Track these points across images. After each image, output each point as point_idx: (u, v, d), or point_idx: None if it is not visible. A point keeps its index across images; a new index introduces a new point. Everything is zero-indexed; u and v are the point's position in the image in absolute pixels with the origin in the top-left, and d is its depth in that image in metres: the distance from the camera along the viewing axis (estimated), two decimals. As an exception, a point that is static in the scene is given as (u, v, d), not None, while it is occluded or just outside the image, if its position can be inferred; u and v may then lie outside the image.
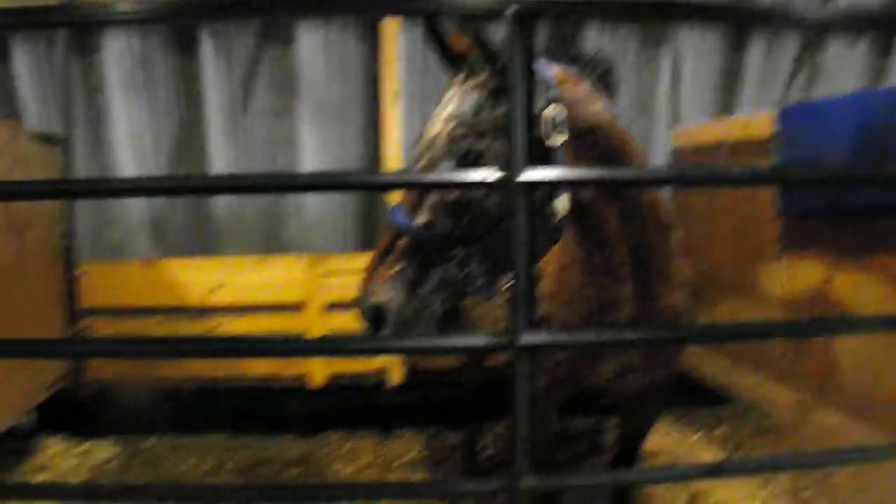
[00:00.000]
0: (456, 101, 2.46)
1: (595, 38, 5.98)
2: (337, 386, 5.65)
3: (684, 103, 6.00)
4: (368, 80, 5.80)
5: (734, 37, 6.18)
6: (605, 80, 2.87)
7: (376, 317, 2.32)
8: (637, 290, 2.95)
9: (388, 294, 2.30)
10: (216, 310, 5.50)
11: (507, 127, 2.14)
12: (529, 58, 1.93)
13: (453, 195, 2.36)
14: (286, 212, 5.92)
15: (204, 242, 5.94)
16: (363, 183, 2.17)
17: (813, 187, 4.10)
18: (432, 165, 2.40)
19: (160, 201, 5.86)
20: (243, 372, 5.57)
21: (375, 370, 5.66)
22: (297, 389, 5.67)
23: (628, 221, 2.81)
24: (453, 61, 2.61)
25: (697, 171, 2.12)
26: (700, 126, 5.45)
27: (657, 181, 2.19)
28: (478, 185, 2.19)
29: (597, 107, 2.66)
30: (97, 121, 5.77)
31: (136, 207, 5.87)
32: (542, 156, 2.37)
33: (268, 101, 5.85)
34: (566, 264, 3.04)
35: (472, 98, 2.43)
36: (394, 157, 5.43)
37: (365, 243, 5.99)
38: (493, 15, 1.91)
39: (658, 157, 6.12)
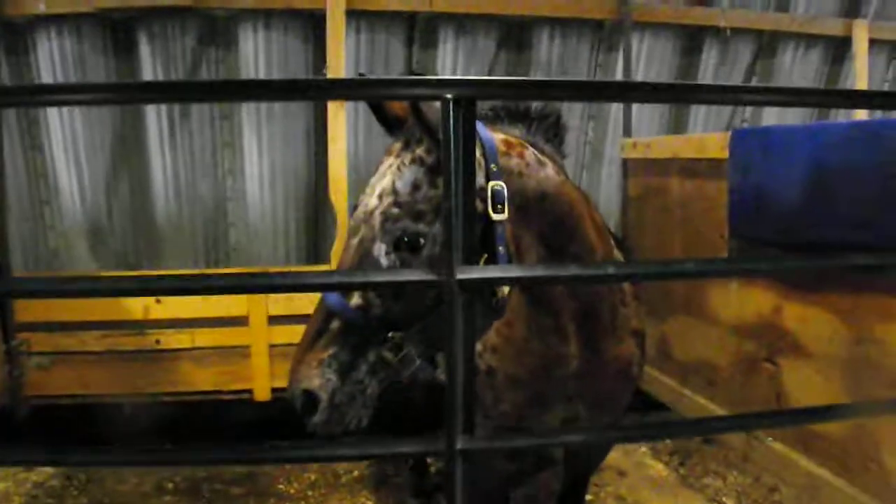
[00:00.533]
0: (392, 175, 2.33)
1: (545, 44, 5.86)
2: (281, 399, 5.51)
3: (636, 109, 5.90)
4: (313, 84, 5.62)
5: (687, 42, 6.11)
6: (553, 131, 2.76)
7: (307, 403, 2.21)
8: (583, 345, 2.87)
9: (319, 380, 2.19)
10: (157, 324, 5.32)
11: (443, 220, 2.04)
12: (469, 144, 1.82)
13: None
14: (229, 223, 5.75)
15: (143, 254, 5.76)
16: (292, 285, 2.05)
17: (763, 219, 4.07)
18: (366, 246, 2.28)
19: (97, 212, 5.66)
20: (186, 387, 5.42)
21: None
22: (241, 403, 5.53)
23: (573, 286, 2.72)
24: (390, 125, 2.48)
25: (648, 267, 2.02)
26: (652, 140, 5.37)
27: (605, 278, 2.10)
28: (414, 284, 2.09)
29: (544, 173, 2.54)
30: (30, 127, 5.51)
31: (71, 217, 5.67)
32: (484, 232, 2.25)
33: (209, 104, 5.63)
34: (511, 319, 2.93)
35: (409, 173, 2.29)
36: (339, 166, 5.25)
37: (308, 256, 5.86)
38: (433, 98, 1.80)
39: (608, 167, 6.06)
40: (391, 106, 2.44)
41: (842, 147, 3.60)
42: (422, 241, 2.25)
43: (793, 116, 6.46)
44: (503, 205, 2.28)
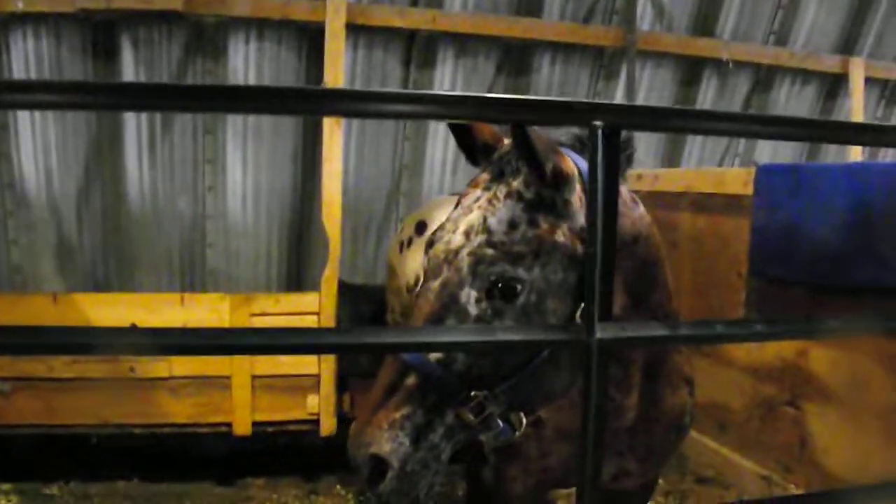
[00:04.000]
0: (482, 210, 2.06)
1: (546, 69, 5.68)
2: (262, 434, 5.20)
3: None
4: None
5: (688, 73, 6.00)
6: (626, 164, 2.55)
7: (374, 470, 1.93)
8: (643, 396, 2.65)
9: (390, 444, 1.91)
10: (131, 350, 4.95)
11: (553, 258, 1.81)
12: (613, 182, 1.59)
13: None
14: (207, 244, 5.42)
15: (114, 273, 5.39)
16: (383, 345, 1.77)
17: (792, 259, 3.92)
18: (451, 291, 2.00)
19: (66, 226, 5.28)
20: (160, 419, 5.05)
21: (303, 419, 5.21)
22: (218, 437, 5.19)
23: None
24: (475, 153, 2.22)
25: (801, 326, 1.81)
26: (661, 171, 5.21)
27: (751, 337, 1.88)
28: (547, 345, 1.84)
29: (638, 213, 2.32)
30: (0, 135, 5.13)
31: (37, 231, 5.28)
32: (582, 278, 1.99)
33: (192, 117, 5.29)
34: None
35: (505, 209, 2.03)
36: (334, 188, 4.97)
37: (290, 283, 5.60)
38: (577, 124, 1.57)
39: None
40: (479, 130, 2.19)
41: (885, 187, 3.47)
42: (518, 287, 1.99)
43: (783, 153, 6.40)
44: None
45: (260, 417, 5.14)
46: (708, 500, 5.19)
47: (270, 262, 5.59)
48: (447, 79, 5.54)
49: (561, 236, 2.01)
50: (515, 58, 5.63)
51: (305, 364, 5.07)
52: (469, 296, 1.98)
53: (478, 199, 2.09)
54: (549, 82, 5.71)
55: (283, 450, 5.44)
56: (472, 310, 1.98)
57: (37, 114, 5.09)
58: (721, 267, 4.55)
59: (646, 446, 2.78)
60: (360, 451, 1.94)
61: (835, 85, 6.43)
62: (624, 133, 2.53)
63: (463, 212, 2.10)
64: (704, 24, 5.96)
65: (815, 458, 3.95)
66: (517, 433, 2.09)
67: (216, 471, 5.30)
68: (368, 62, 5.41)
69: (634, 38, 5.50)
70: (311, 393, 5.06)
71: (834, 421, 3.87)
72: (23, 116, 5.10)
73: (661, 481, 5.46)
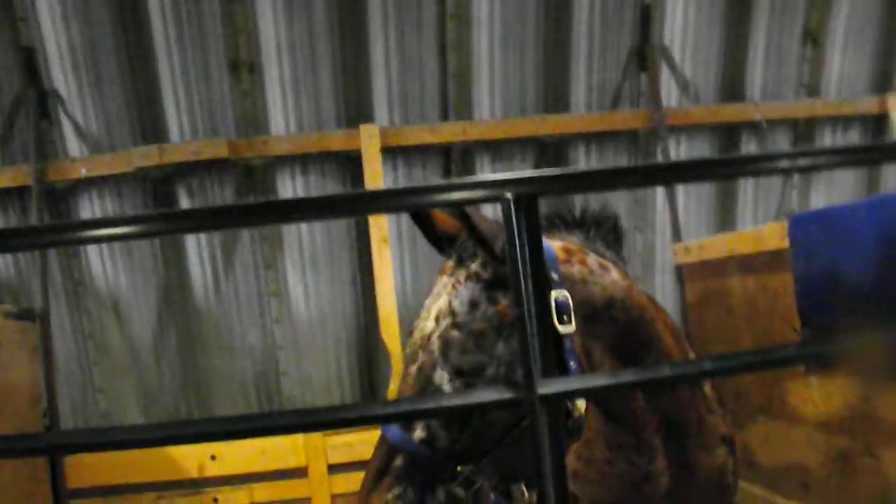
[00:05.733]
0: (447, 295, 2.19)
1: (582, 160, 5.81)
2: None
3: (683, 212, 5.77)
4: (355, 227, 5.58)
5: (725, 140, 6.04)
6: (612, 235, 2.63)
7: None
8: (673, 460, 2.65)
9: None
10: (214, 481, 5.14)
11: (516, 330, 1.90)
12: (536, 246, 1.68)
13: None
14: (280, 373, 5.63)
15: (195, 411, 5.63)
16: (358, 418, 1.88)
17: (834, 304, 3.85)
18: (427, 374, 2.11)
19: (147, 370, 5.58)
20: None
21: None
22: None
23: (656, 395, 2.52)
24: (441, 243, 2.36)
25: (750, 357, 1.83)
26: (705, 241, 5.20)
27: (702, 375, 1.92)
28: (492, 405, 1.92)
29: (609, 278, 2.39)
30: (76, 288, 5.53)
31: (121, 378, 5.62)
32: (553, 346, 2.07)
33: (252, 254, 5.60)
34: (589, 438, 2.73)
35: (466, 291, 2.16)
36: (388, 305, 5.18)
37: (366, 399, 5.72)
38: (491, 200, 1.68)
39: (662, 276, 5.90)
40: (440, 222, 2.32)
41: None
42: (488, 363, 2.10)
43: (840, 194, 6.27)
44: (569, 316, 2.12)
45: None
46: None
47: (343, 384, 5.73)
48: (488, 184, 5.70)
49: None
50: (551, 154, 5.78)
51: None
52: (442, 376, 2.09)
53: (445, 285, 2.22)
54: (589, 172, 5.81)
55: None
56: (447, 388, 2.08)
57: (108, 267, 5.49)
58: (776, 325, 4.47)
59: (687, 509, 2.76)
60: None
61: (879, 125, 6.33)
62: (610, 210, 2.66)
63: (433, 299, 2.23)
64: (733, 89, 6.02)
65: (899, 508, 3.79)
66: None
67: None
68: (410, 180, 5.64)
69: (662, 116, 5.59)
70: (391, 505, 5.09)
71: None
72: (97, 271, 5.50)
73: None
